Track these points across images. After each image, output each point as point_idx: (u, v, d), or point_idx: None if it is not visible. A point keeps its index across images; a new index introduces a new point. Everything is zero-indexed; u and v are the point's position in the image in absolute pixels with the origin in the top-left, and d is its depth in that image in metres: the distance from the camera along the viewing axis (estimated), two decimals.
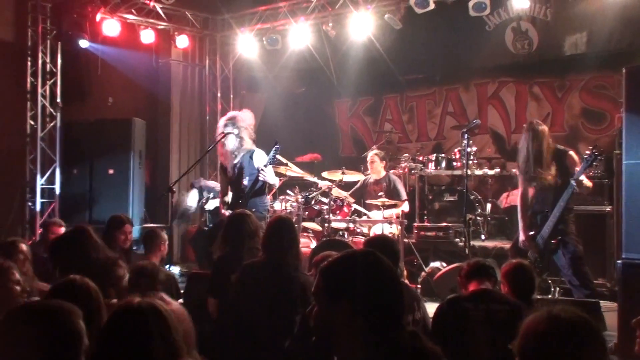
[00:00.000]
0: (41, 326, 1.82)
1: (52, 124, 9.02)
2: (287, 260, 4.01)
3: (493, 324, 3.28)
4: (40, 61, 8.86)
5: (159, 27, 9.70)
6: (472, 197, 8.31)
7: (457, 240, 7.84)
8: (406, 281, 4.51)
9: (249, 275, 4.01)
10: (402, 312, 1.96)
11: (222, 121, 6.82)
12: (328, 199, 7.57)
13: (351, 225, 7.68)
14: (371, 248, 3.90)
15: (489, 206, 8.57)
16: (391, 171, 8.49)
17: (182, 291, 4.99)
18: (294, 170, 8.12)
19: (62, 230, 6.40)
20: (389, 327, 1.87)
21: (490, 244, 7.92)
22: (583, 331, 1.75)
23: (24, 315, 1.89)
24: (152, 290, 2.97)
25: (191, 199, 9.43)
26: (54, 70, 9.02)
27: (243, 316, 3.88)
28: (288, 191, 8.07)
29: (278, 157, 6.86)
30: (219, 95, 10.87)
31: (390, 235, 7.33)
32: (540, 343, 1.75)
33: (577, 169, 5.65)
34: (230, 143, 6.59)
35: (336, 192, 7.87)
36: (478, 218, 8.24)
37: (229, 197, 6.80)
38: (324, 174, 8.27)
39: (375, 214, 7.84)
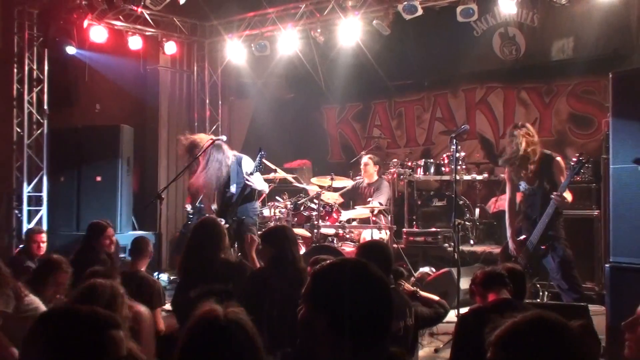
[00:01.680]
0: (66, 333, 1.76)
1: (39, 131, 8.96)
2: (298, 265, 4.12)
3: None
4: (26, 68, 8.80)
5: (147, 33, 9.67)
6: (461, 202, 8.33)
7: (446, 245, 7.85)
8: (414, 288, 4.46)
9: (266, 283, 4.07)
10: (386, 331, 1.87)
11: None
12: (317, 205, 7.56)
13: (340, 231, 7.67)
14: (363, 254, 3.89)
15: (477, 211, 8.58)
16: (382, 177, 8.48)
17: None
18: (284, 176, 8.12)
19: (44, 236, 6.36)
20: (367, 349, 1.80)
21: (479, 248, 7.93)
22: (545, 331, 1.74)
23: (51, 320, 1.84)
24: None
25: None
26: (41, 77, 8.96)
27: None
28: (277, 197, 8.05)
29: (266, 162, 6.85)
30: (207, 101, 10.84)
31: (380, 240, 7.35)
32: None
33: (562, 178, 5.65)
34: (217, 152, 6.57)
35: (325, 196, 7.85)
36: (467, 223, 8.26)
37: (215, 205, 6.79)
38: (313, 180, 8.26)
39: (359, 209, 7.81)
